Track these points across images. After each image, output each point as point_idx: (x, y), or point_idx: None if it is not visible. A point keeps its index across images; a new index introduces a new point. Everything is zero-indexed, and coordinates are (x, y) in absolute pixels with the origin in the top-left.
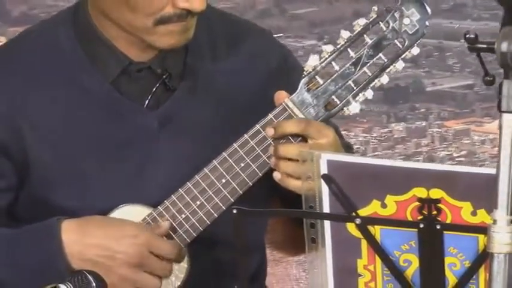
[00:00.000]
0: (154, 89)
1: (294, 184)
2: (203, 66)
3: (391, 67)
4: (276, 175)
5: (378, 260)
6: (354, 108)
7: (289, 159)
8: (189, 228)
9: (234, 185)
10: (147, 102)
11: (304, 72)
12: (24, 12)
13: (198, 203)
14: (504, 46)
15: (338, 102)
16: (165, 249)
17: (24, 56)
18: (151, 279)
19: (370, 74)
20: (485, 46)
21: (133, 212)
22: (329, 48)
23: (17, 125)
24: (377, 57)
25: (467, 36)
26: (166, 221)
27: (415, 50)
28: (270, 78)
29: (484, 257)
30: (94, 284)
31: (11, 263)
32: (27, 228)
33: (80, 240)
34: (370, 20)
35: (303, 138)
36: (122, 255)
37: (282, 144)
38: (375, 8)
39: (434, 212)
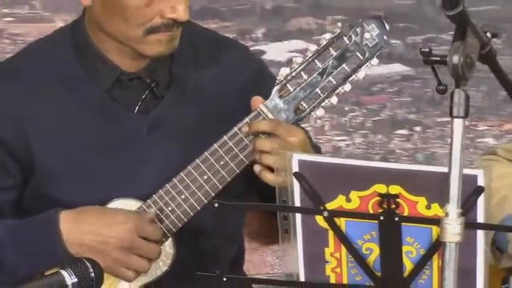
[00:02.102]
0: (143, 97)
1: (269, 177)
2: (188, 76)
3: (353, 76)
4: (256, 168)
5: (343, 249)
6: (320, 112)
7: (268, 153)
8: (175, 219)
9: (215, 180)
10: (137, 108)
11: (277, 81)
12: (204, 6)
13: (183, 196)
14: (455, 59)
15: (306, 107)
16: (151, 232)
17: (29, 68)
18: (141, 261)
19: (334, 83)
20: (438, 59)
21: (125, 205)
22: (298, 59)
23: (23, 129)
24: (341, 67)
25: (422, 50)
26: (153, 209)
27: (375, 61)
28: (247, 86)
29: (437, 246)
30: (91, 270)
31: (16, 251)
32: (30, 219)
33: (76, 228)
34: (335, 34)
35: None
36: (114, 240)
37: (258, 139)
38: (339, 24)
39: (393, 206)
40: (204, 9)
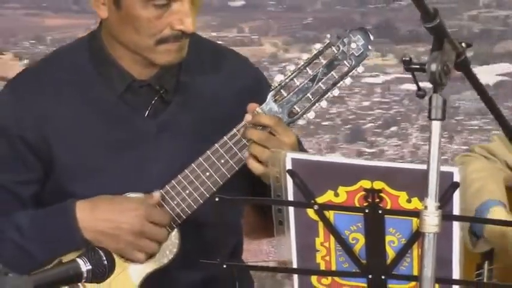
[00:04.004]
0: (153, 102)
1: (254, 165)
2: (193, 83)
3: (341, 82)
4: (245, 154)
5: (332, 238)
6: (311, 115)
7: (255, 143)
8: (180, 212)
9: (216, 177)
10: (147, 112)
11: (272, 87)
12: (411, 30)
13: (187, 191)
14: (433, 67)
15: (299, 110)
16: (160, 217)
17: (49, 75)
18: (151, 244)
19: (324, 88)
20: (418, 66)
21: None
22: (292, 67)
23: (44, 130)
24: (330, 74)
25: (404, 59)
26: (157, 191)
27: (360, 69)
28: (246, 92)
29: (417, 236)
30: (104, 258)
31: (37, 237)
32: (49, 208)
33: (91, 216)
34: (325, 44)
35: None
36: (126, 225)
37: (250, 128)
38: (328, 35)
39: (377, 200)
40: (413, 32)
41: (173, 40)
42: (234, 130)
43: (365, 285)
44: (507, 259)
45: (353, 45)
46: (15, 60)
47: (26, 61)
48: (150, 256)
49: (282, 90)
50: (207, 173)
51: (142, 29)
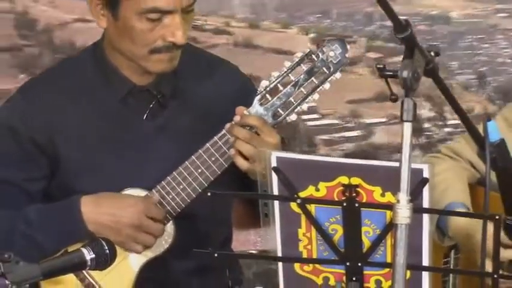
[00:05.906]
0: (151, 106)
1: (240, 162)
2: (188, 89)
3: (321, 87)
4: (231, 151)
5: (313, 229)
6: (294, 117)
7: (241, 140)
8: (175, 206)
9: (207, 173)
10: (145, 115)
11: (258, 91)
12: None
13: (181, 187)
14: (405, 73)
15: (282, 113)
16: (157, 213)
17: (57, 81)
18: (148, 237)
19: (305, 93)
20: (391, 73)
21: (134, 194)
22: (276, 74)
23: (52, 131)
24: (310, 80)
25: (377, 66)
26: (156, 194)
27: (338, 75)
28: (235, 97)
29: (390, 227)
30: (106, 247)
31: (45, 229)
32: (56, 203)
33: (94, 210)
34: (306, 53)
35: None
36: (126, 219)
37: (236, 127)
38: (309, 44)
39: (354, 194)
40: None
41: (165, 51)
42: (224, 131)
43: (343, 271)
44: (470, 254)
45: (331, 53)
46: (301, 35)
47: (312, 35)
48: (147, 247)
49: (267, 95)
50: (199, 170)
51: (137, 39)
